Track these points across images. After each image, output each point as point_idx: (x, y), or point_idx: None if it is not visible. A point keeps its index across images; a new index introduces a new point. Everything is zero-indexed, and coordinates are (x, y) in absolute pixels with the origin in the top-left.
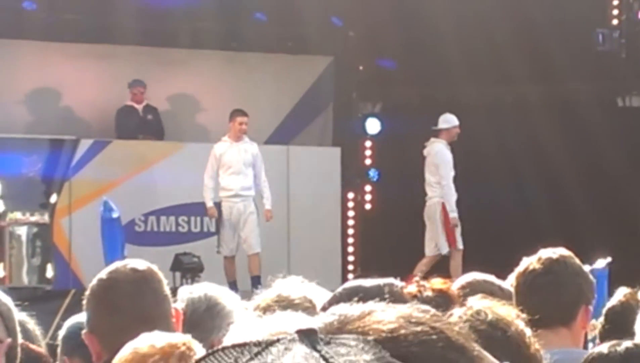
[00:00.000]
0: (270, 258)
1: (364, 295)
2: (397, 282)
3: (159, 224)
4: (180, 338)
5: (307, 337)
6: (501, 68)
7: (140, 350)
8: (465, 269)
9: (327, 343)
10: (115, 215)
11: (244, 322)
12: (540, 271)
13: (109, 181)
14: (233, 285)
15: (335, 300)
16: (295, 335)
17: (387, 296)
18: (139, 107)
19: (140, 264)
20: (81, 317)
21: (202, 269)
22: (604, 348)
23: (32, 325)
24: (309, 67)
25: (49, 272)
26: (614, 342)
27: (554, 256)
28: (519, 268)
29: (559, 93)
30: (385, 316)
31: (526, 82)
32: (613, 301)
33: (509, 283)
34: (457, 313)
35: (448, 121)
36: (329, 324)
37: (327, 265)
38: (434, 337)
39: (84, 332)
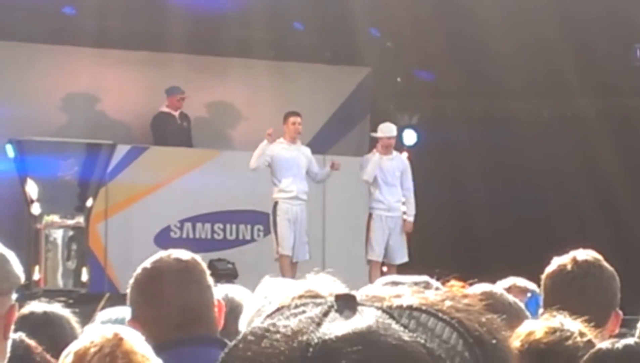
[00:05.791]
0: (304, 268)
1: None
2: (433, 281)
3: (194, 231)
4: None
5: (346, 302)
6: (541, 82)
7: (78, 352)
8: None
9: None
10: None
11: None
12: (578, 273)
13: (145, 187)
14: None
15: None
16: (333, 300)
17: None
18: (176, 114)
19: (184, 254)
20: (114, 312)
21: (236, 275)
22: (605, 345)
23: (74, 323)
24: (346, 78)
25: (84, 276)
26: (614, 340)
27: (590, 258)
28: (551, 268)
29: (601, 107)
30: (412, 298)
31: (569, 97)
32: None
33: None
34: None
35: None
36: (362, 296)
37: (361, 275)
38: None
39: (127, 319)
